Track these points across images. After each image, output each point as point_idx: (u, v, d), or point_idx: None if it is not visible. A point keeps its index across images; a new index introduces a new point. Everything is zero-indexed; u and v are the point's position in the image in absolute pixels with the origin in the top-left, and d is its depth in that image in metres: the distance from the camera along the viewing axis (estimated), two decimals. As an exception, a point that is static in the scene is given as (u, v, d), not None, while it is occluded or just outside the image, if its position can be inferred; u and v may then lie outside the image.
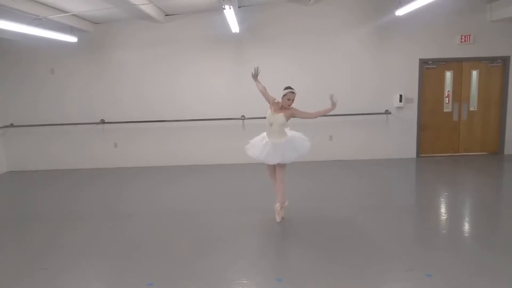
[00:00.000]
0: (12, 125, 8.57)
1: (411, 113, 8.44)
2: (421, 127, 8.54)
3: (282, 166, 4.83)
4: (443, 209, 5.50)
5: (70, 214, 5.72)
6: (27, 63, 8.43)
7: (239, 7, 7.51)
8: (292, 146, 4.80)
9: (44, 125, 8.50)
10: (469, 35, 8.13)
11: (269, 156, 4.76)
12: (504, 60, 8.30)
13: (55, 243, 4.60)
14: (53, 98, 8.51)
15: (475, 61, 8.36)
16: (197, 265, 3.85)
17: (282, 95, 4.71)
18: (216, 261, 3.95)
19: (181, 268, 3.82)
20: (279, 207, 4.95)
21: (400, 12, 7.09)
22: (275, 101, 4.82)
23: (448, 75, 8.45)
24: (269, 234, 4.72)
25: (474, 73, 8.44)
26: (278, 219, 4.95)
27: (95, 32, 8.24)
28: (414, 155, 8.60)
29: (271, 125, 4.79)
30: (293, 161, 4.79)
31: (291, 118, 4.80)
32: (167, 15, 8.12)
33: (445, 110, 8.56)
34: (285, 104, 4.71)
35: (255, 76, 4.95)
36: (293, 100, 4.71)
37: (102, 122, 8.52)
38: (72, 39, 7.40)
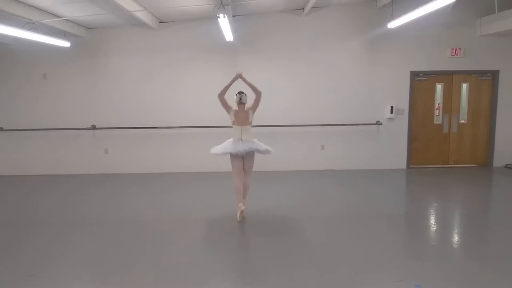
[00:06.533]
0: (1, 129, 8.48)
1: (402, 124, 8.52)
2: (412, 139, 8.62)
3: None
4: (432, 220, 5.53)
5: (59, 220, 5.63)
6: (19, 67, 8.36)
7: (233, 16, 7.55)
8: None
9: (33, 130, 8.41)
10: (460, 49, 8.26)
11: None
12: (494, 73, 8.44)
13: (44, 250, 4.52)
14: (44, 103, 8.44)
15: (465, 74, 8.48)
16: (181, 275, 3.81)
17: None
18: (203, 271, 3.92)
19: (166, 278, 3.78)
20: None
21: (392, 24, 7.20)
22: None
23: (439, 87, 8.57)
24: (258, 244, 4.70)
25: (464, 86, 8.56)
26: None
27: (88, 38, 8.22)
28: (404, 166, 8.65)
29: None
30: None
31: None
32: (161, 22, 8.13)
33: (436, 122, 8.66)
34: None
35: (236, 78, 5.35)
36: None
37: (93, 127, 8.47)
38: (65, 44, 7.37)
